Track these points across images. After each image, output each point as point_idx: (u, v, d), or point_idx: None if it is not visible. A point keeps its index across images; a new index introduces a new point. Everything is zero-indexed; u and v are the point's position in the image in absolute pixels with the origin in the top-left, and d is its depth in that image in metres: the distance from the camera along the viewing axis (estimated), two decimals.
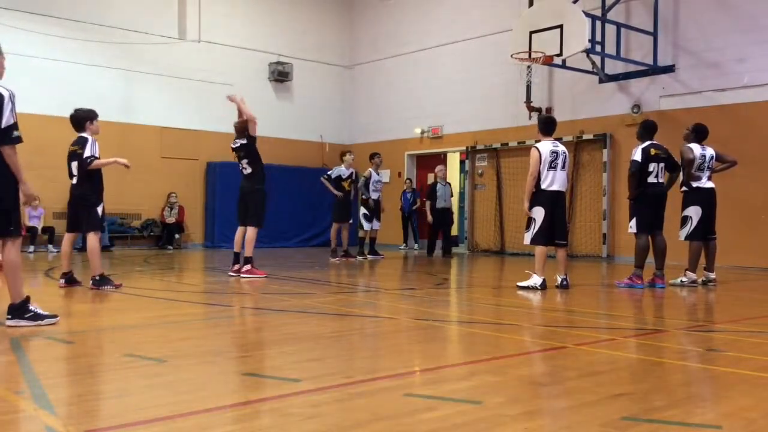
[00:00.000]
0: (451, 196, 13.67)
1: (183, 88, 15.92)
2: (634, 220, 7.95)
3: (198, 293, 7.62)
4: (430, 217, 13.51)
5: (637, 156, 7.91)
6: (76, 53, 14.50)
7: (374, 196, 12.44)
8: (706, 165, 8.25)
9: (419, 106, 16.94)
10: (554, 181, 7.59)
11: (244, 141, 8.60)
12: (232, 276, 8.52)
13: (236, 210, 8.74)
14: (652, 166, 7.89)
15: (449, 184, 13.77)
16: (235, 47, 16.78)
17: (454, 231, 17.64)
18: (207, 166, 16.31)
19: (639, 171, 7.86)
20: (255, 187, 8.55)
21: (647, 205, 7.90)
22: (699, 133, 8.37)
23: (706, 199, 8.24)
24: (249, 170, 8.54)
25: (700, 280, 8.30)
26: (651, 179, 7.90)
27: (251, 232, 8.49)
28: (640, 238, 7.95)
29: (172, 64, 15.73)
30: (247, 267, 8.41)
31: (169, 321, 5.28)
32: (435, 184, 13.61)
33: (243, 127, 8.65)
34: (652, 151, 7.93)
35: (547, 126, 7.90)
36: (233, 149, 8.82)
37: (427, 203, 13.53)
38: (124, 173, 15.21)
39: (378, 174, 12.59)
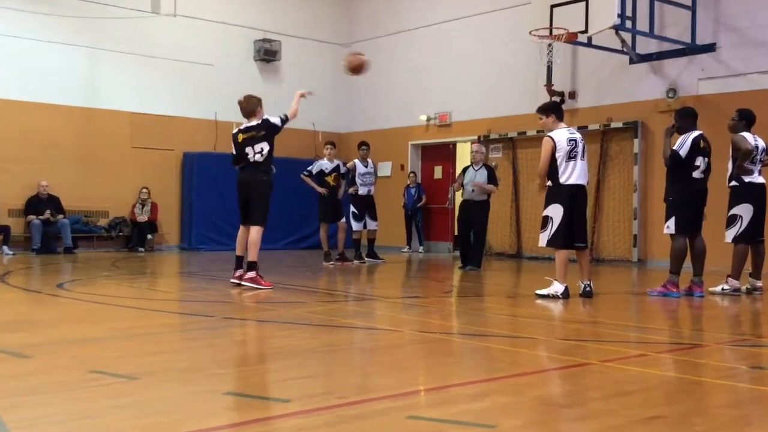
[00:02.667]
0: (488, 183, 11.45)
1: (156, 69, 15.91)
2: (672, 220, 7.91)
3: (173, 302, 7.61)
4: (448, 201, 12.48)
5: (685, 147, 7.82)
6: (34, 28, 14.47)
7: (363, 191, 12.34)
8: (758, 157, 8.23)
9: (425, 90, 16.94)
10: (574, 173, 7.58)
11: (260, 123, 8.25)
12: (235, 283, 8.19)
13: (238, 206, 8.36)
14: (698, 160, 7.84)
15: (488, 166, 11.72)
16: (215, 22, 16.77)
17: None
18: (184, 158, 16.31)
19: (681, 164, 7.81)
20: (262, 178, 8.20)
21: (689, 204, 7.87)
22: (749, 120, 8.34)
23: (758, 197, 8.21)
24: (260, 158, 8.13)
25: (744, 288, 8.28)
26: (696, 174, 7.86)
27: (255, 232, 8.11)
28: (677, 240, 7.93)
29: (144, 42, 15.72)
30: (251, 274, 8.02)
31: (140, 333, 5.27)
32: (467, 167, 11.83)
33: (253, 109, 8.38)
34: (701, 144, 7.90)
35: (560, 111, 7.94)
36: (243, 131, 8.32)
37: (450, 190, 12.32)
38: (88, 164, 15.33)
39: (366, 165, 12.47)
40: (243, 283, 8.03)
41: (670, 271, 7.95)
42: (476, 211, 11.44)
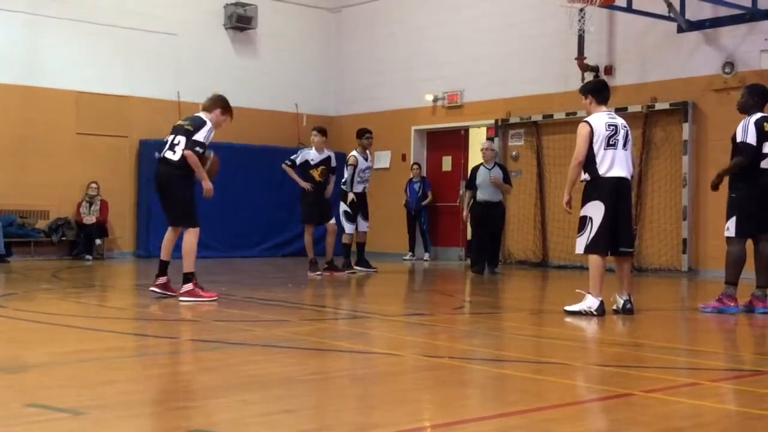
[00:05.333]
0: (497, 184, 12.80)
1: (107, 40, 15.90)
2: (733, 220, 7.91)
3: (128, 320, 7.61)
4: (465, 213, 13.31)
5: (751, 132, 7.81)
6: None
7: (358, 188, 12.34)
8: None
9: (431, 64, 16.95)
10: (615, 163, 7.59)
11: (196, 117, 8.57)
12: (156, 293, 8.48)
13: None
14: (766, 147, 7.87)
15: (501, 166, 13.35)
16: None
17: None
18: (140, 146, 16.31)
19: (755, 154, 7.80)
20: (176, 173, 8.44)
21: (755, 200, 7.86)
22: (763, 98, 8.27)
23: None
24: (172, 154, 8.42)
25: None
26: (765, 164, 7.88)
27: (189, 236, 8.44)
28: (737, 244, 7.93)
29: (93, 7, 15.72)
30: (188, 286, 8.32)
31: (87, 358, 5.26)
32: (478, 167, 13.13)
33: (208, 105, 8.63)
34: (766, 126, 7.92)
35: (602, 93, 7.93)
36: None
37: (466, 194, 13.30)
38: (24, 154, 15.33)
39: (367, 159, 12.49)
40: (181, 298, 8.25)
41: (726, 282, 7.96)
42: (494, 213, 12.84)
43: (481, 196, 12.79)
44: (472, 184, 13.01)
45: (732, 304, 7.86)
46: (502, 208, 13.18)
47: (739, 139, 7.88)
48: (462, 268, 14.56)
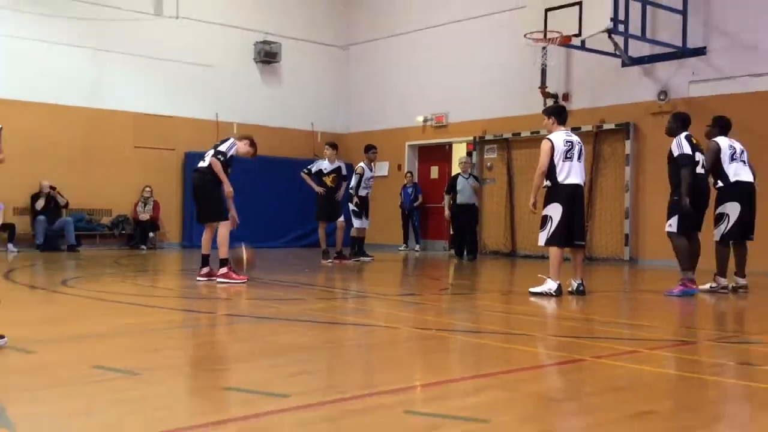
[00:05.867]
0: (476, 190, 13.92)
1: (159, 70, 15.89)
2: (675, 218, 7.86)
3: (175, 298, 7.61)
4: (447, 212, 13.99)
5: (686, 148, 7.81)
6: (40, 29, 14.44)
7: (363, 193, 12.39)
8: (739, 158, 8.26)
9: (422, 92, 16.92)
10: (571, 173, 7.58)
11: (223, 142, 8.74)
12: (201, 281, 8.46)
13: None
14: (698, 156, 7.90)
15: (474, 176, 14.23)
16: (216, 24, 16.74)
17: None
18: (185, 157, 16.28)
19: (693, 161, 7.79)
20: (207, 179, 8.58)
21: (691, 202, 7.85)
22: (723, 127, 8.37)
23: (745, 195, 8.19)
24: (203, 164, 8.65)
25: (730, 286, 8.29)
26: (699, 170, 7.89)
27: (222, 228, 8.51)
28: (678, 238, 7.90)
29: (147, 43, 15.69)
30: (223, 270, 8.34)
31: (142, 329, 5.26)
32: (456, 176, 13.92)
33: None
34: (693, 140, 7.94)
35: (561, 115, 7.91)
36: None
37: (446, 198, 13.94)
38: (92, 163, 15.31)
39: (371, 170, 12.52)
40: (217, 280, 8.30)
41: (683, 269, 7.85)
42: (473, 213, 13.87)
43: (460, 199, 13.55)
44: (451, 190, 13.71)
45: (693, 286, 7.80)
46: (476, 208, 14.03)
47: (677, 153, 7.85)
48: (446, 258, 14.55)
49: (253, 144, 8.78)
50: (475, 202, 13.88)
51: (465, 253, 13.75)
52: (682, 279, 7.83)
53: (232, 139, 8.61)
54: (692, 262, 7.95)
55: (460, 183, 13.63)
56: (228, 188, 8.40)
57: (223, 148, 8.40)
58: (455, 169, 17.34)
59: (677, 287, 7.81)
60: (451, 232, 14.90)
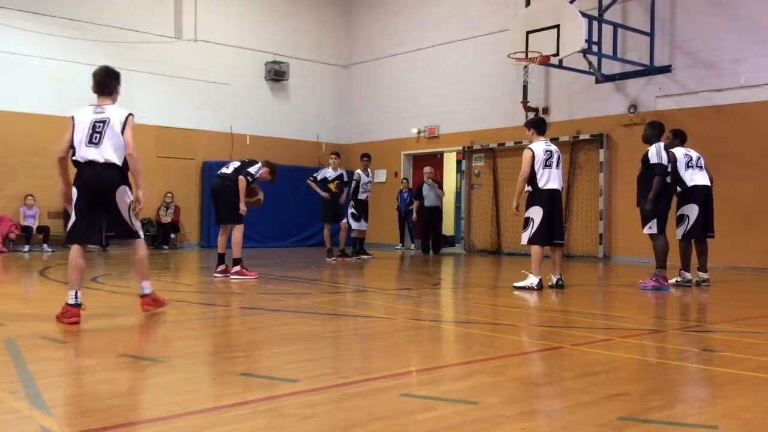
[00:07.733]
0: (438, 195, 14.62)
1: (179, 88, 15.89)
2: (654, 221, 7.82)
3: (194, 293, 7.60)
4: (414, 216, 14.93)
5: (663, 158, 7.82)
6: (73, 52, 14.43)
7: (362, 197, 12.42)
8: (695, 164, 8.32)
9: (416, 106, 16.94)
10: (550, 179, 7.60)
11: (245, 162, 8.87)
12: (218, 277, 8.53)
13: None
14: (670, 166, 7.93)
15: (437, 183, 14.93)
16: (231, 46, 16.75)
17: (450, 231, 17.73)
18: (203, 166, 16.28)
19: (667, 171, 7.80)
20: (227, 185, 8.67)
21: (666, 206, 7.89)
22: (681, 138, 8.49)
23: (702, 197, 8.23)
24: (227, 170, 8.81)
25: (694, 280, 8.31)
26: (668, 179, 7.94)
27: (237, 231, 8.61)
28: (659, 238, 7.88)
29: (169, 64, 15.69)
30: (237, 268, 8.46)
31: (165, 321, 5.25)
32: (422, 184, 14.72)
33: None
34: (666, 151, 7.98)
35: (541, 127, 7.92)
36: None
37: (415, 203, 14.84)
38: None
39: (368, 175, 12.56)
40: (231, 276, 8.37)
41: (658, 267, 7.85)
42: (437, 215, 14.76)
43: (427, 203, 14.55)
44: (419, 197, 14.71)
45: (665, 283, 7.82)
46: (440, 210, 14.85)
47: (654, 161, 7.82)
48: (440, 256, 14.55)
49: (273, 172, 8.91)
50: (439, 205, 14.64)
51: (431, 249, 14.58)
52: (656, 276, 7.82)
53: (260, 164, 8.75)
54: (665, 259, 7.96)
55: (425, 189, 14.56)
56: (243, 207, 8.45)
57: (252, 170, 8.57)
58: (447, 176, 17.88)
59: (650, 281, 7.82)
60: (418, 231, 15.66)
